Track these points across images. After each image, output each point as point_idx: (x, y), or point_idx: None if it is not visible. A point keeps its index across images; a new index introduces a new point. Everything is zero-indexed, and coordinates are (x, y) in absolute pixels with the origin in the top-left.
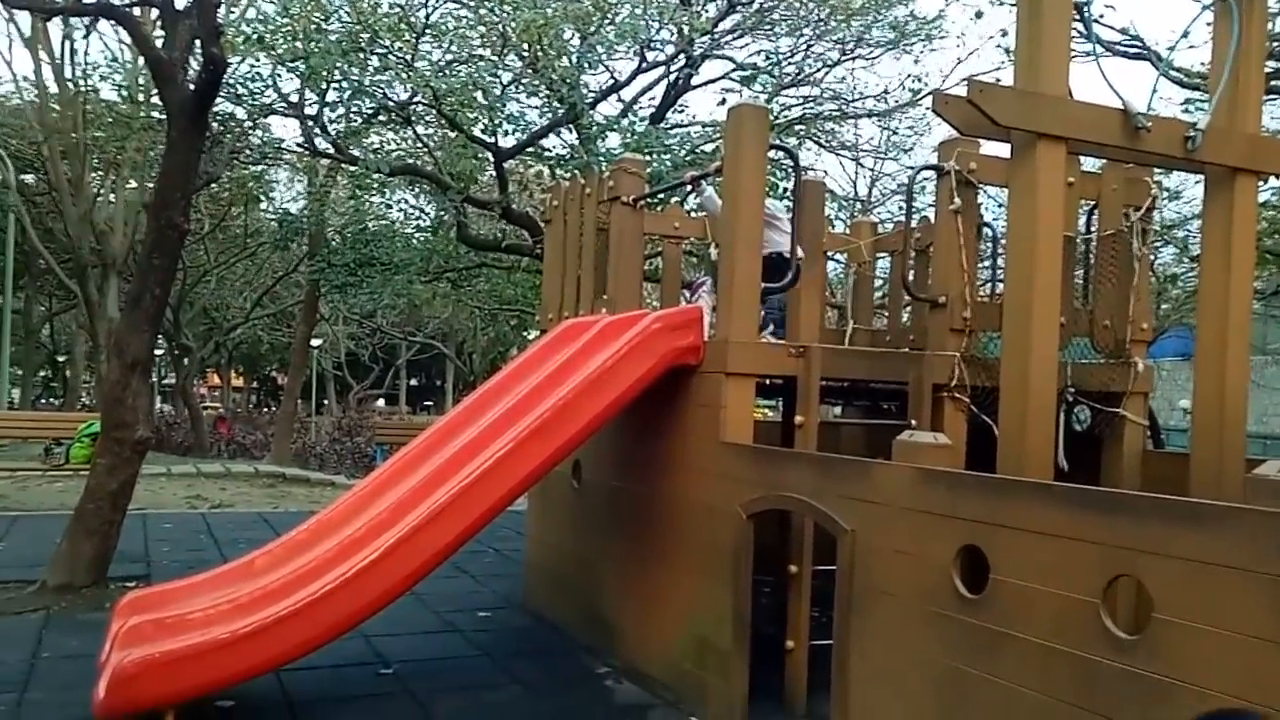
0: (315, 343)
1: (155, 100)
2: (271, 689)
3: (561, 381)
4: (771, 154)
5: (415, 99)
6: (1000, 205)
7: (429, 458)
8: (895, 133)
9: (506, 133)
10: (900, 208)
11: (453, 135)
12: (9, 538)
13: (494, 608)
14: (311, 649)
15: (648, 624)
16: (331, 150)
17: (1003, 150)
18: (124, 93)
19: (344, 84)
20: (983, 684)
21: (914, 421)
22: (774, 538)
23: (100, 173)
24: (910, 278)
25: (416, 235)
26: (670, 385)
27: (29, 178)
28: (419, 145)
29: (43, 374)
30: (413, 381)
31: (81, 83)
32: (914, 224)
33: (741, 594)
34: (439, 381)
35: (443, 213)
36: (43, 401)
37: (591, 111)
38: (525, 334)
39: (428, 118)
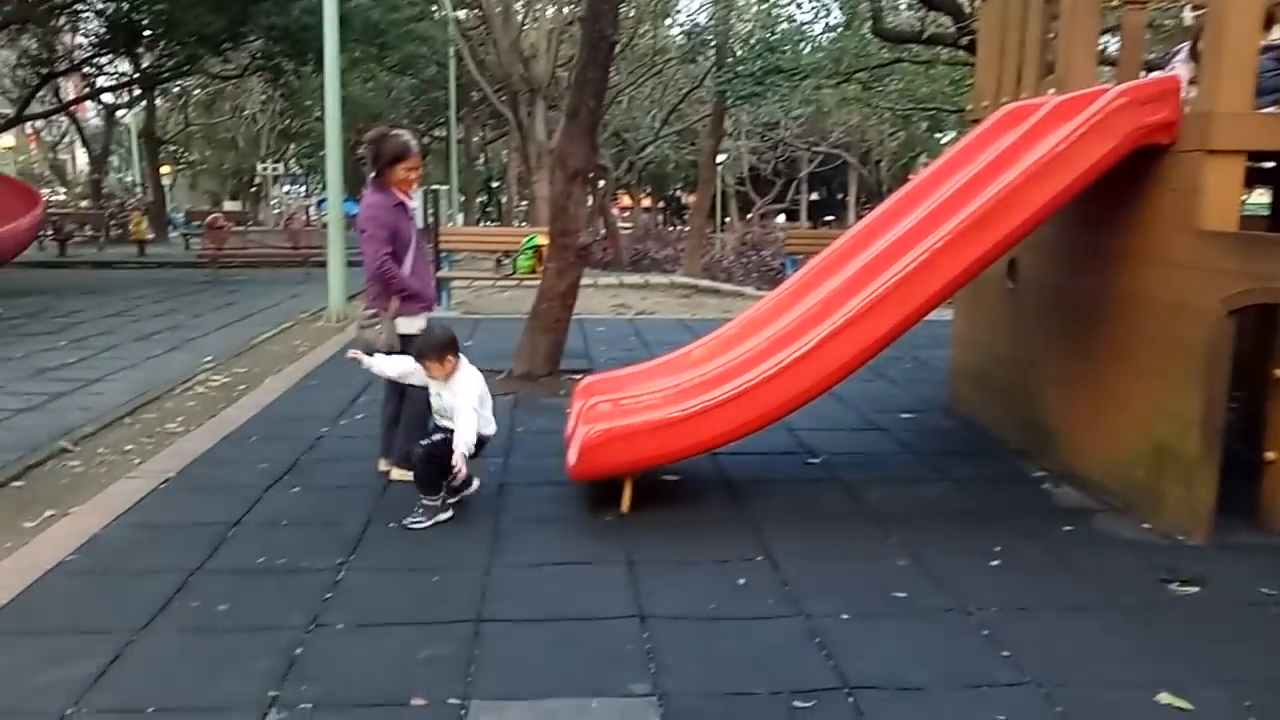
0: (719, 158)
1: None
2: (710, 469)
3: (1003, 169)
4: None
5: None
6: None
7: (852, 258)
8: None
9: None
10: None
11: None
12: (475, 337)
13: (917, 410)
14: (748, 432)
15: (1092, 429)
16: None
17: None
18: None
19: None
20: None
21: None
22: (1245, 345)
23: (523, 2)
24: None
25: (825, 35)
26: (1133, 169)
27: (462, 13)
28: None
29: (480, 199)
30: (813, 196)
31: None
32: None
33: (1215, 398)
34: (840, 195)
35: (856, 5)
36: (480, 224)
37: None
38: (938, 136)
39: None
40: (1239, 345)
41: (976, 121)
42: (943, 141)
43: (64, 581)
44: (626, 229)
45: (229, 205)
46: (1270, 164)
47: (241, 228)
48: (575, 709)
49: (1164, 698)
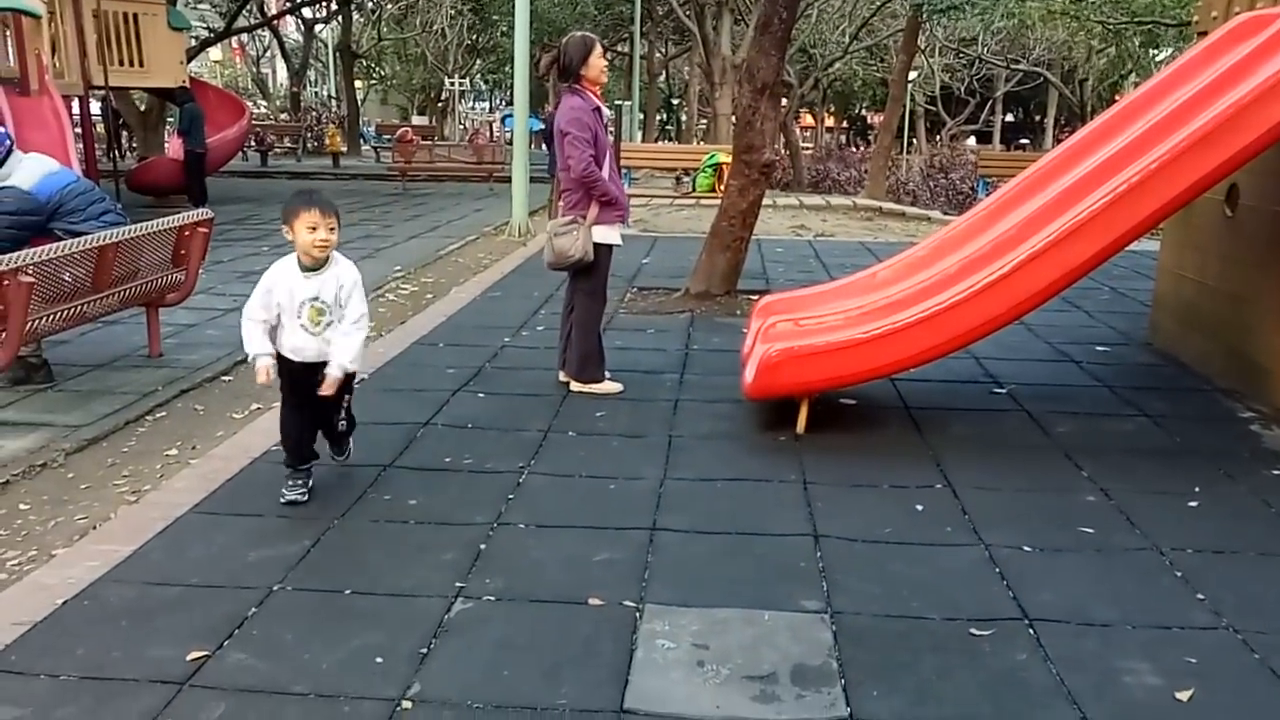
0: (911, 76)
1: None
2: (889, 394)
3: (1233, 85)
4: None
5: None
6: None
7: (1054, 180)
8: None
9: None
10: None
11: None
12: (652, 254)
13: (1113, 343)
14: (931, 358)
15: None
16: None
17: None
18: None
19: None
20: None
21: None
22: None
23: None
24: None
25: None
26: None
27: None
28: None
29: (660, 117)
30: (1008, 117)
31: None
32: None
33: None
34: (1038, 117)
35: None
36: (659, 142)
37: None
38: (1154, 53)
39: None
40: None
41: (1203, 34)
42: (1158, 59)
43: (270, 469)
44: (808, 149)
45: (417, 120)
46: None
47: (429, 142)
48: (746, 620)
49: None
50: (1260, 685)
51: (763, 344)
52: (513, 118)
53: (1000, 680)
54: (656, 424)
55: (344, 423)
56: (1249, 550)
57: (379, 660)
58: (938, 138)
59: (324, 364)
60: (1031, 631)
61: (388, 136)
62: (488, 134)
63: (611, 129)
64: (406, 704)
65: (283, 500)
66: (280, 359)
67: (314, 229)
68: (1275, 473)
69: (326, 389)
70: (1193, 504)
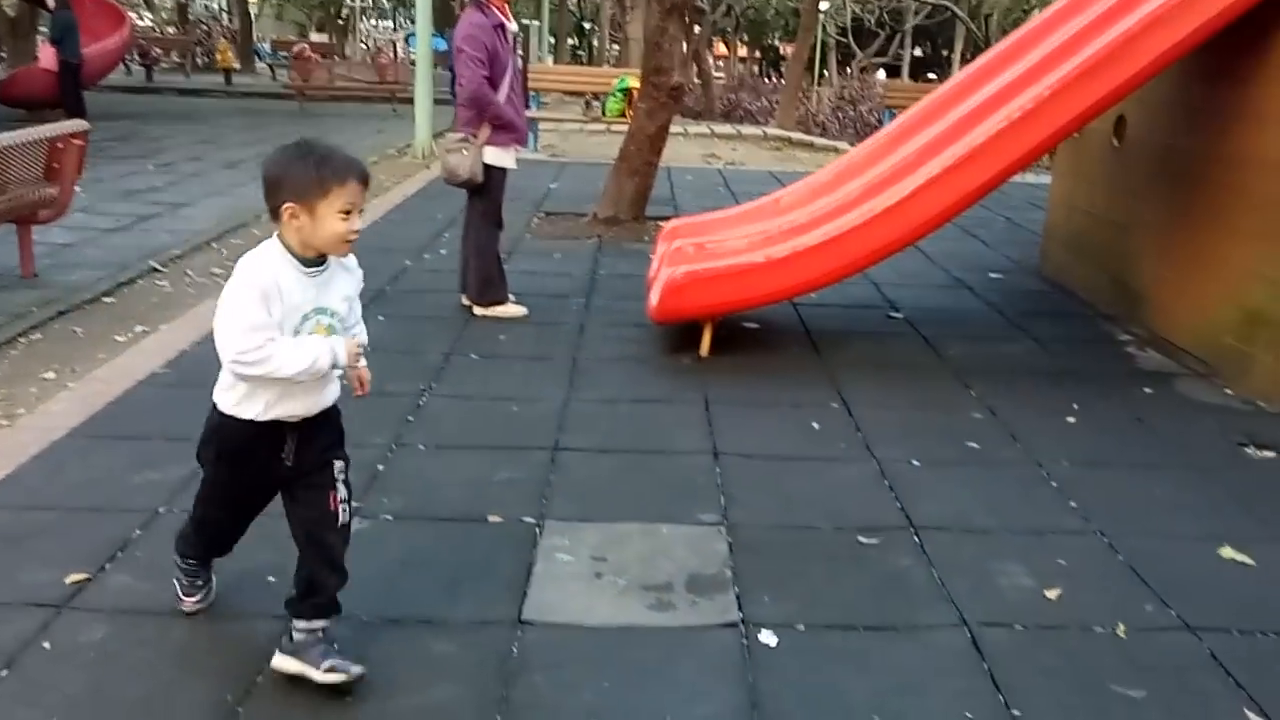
0: (823, 6)
1: None
2: (791, 318)
3: (1121, 16)
4: None
5: None
6: None
7: (953, 107)
8: None
9: None
10: None
11: None
12: (561, 179)
13: (1006, 271)
14: (831, 281)
15: (1184, 294)
16: None
17: None
18: None
19: None
20: None
21: None
22: None
23: None
24: None
25: None
26: (1261, 19)
27: None
28: None
29: (571, 42)
30: (916, 51)
31: None
32: None
33: None
34: (945, 51)
35: None
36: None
37: None
38: None
39: None
40: None
41: None
42: None
43: (154, 393)
44: (721, 78)
45: (316, 37)
46: None
47: (328, 61)
48: (644, 533)
49: (1226, 552)
50: (1121, 582)
51: (668, 268)
52: (416, 36)
53: (885, 584)
54: (561, 347)
55: (345, 514)
56: (1119, 462)
57: (271, 579)
58: (847, 70)
59: (309, 421)
60: (916, 539)
61: (284, 54)
62: (391, 53)
63: (521, 54)
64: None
65: (183, 609)
66: (236, 426)
67: (349, 212)
68: (1147, 391)
69: (361, 370)
70: (1071, 420)
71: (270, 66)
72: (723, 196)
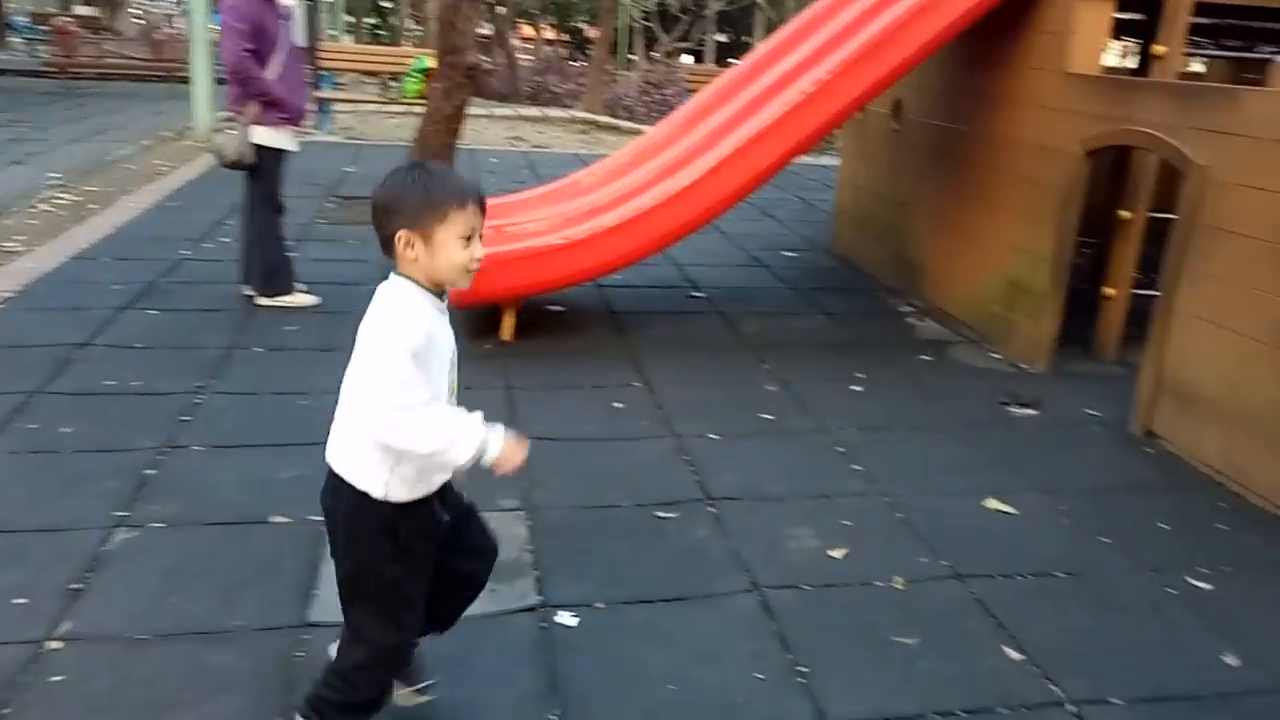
0: None
1: None
2: (594, 299)
3: (891, 4)
4: None
5: None
6: None
7: (743, 89)
8: None
9: None
10: None
11: None
12: (358, 162)
13: (800, 250)
14: (633, 260)
15: (956, 266)
16: None
17: None
18: None
19: None
20: None
21: None
22: (1102, 194)
23: None
24: None
25: None
26: (1014, 11)
27: None
28: None
29: (371, 20)
30: (720, 37)
31: None
32: None
33: (1066, 235)
34: (745, 37)
35: None
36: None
37: None
38: None
39: None
40: (1097, 196)
41: None
42: None
43: None
44: (527, 61)
45: (81, 10)
46: (1139, 14)
47: (96, 35)
48: None
49: (991, 503)
50: (901, 539)
51: None
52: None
53: (682, 556)
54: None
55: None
56: (900, 426)
57: (21, 601)
58: (654, 53)
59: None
60: (712, 510)
61: (45, 28)
62: (168, 29)
63: (305, 26)
64: (54, 644)
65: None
66: (416, 507)
67: (470, 238)
68: (924, 358)
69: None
70: (857, 389)
71: (28, 41)
72: (527, 179)
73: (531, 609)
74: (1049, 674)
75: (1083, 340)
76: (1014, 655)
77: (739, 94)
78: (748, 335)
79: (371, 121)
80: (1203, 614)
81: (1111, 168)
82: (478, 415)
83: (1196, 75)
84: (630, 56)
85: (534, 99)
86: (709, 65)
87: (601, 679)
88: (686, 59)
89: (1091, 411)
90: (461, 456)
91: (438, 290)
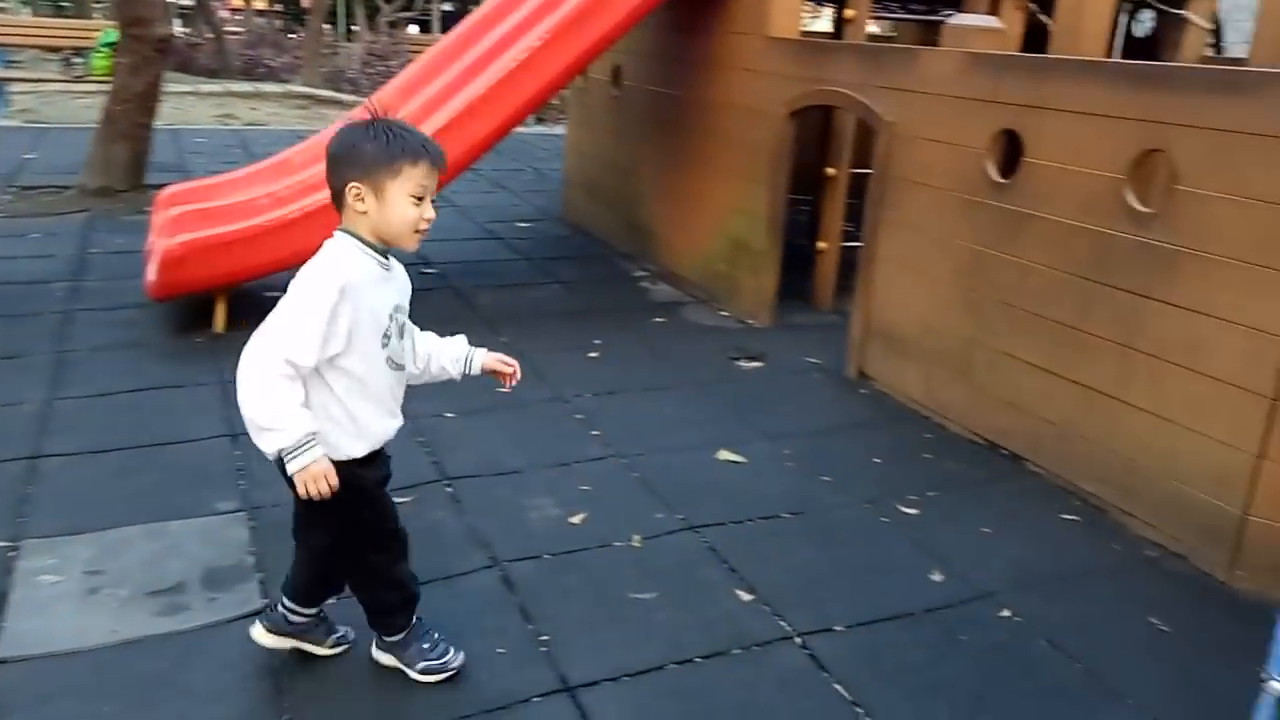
0: None
1: None
2: None
3: None
4: None
5: None
6: None
7: (457, 58)
8: None
9: None
10: None
11: None
12: (40, 149)
13: (533, 220)
14: None
15: (683, 230)
16: None
17: None
18: None
19: None
20: (1003, 265)
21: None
22: (814, 154)
23: None
24: None
25: None
26: None
27: None
28: None
29: None
30: (446, 6)
31: None
32: None
33: (778, 194)
34: (472, 6)
35: None
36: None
37: None
38: None
39: None
40: (809, 155)
41: None
42: None
43: None
44: (237, 33)
45: None
46: None
47: None
48: (149, 534)
49: (722, 455)
50: (638, 498)
51: (164, 238)
52: None
53: (420, 539)
54: (41, 340)
55: None
56: (634, 389)
57: None
58: (377, 23)
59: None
60: (450, 489)
61: None
62: None
63: None
64: None
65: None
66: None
67: (422, 198)
68: (658, 320)
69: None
70: (593, 355)
71: None
72: (239, 159)
73: (255, 615)
74: (777, 610)
75: (802, 293)
76: (745, 597)
77: (452, 64)
78: (482, 308)
79: (56, 103)
80: (912, 537)
81: (819, 128)
82: (313, 427)
83: (888, 38)
84: (353, 27)
85: (247, 73)
86: (435, 35)
87: (339, 679)
88: (413, 29)
89: (811, 359)
90: (266, 443)
91: (382, 249)
